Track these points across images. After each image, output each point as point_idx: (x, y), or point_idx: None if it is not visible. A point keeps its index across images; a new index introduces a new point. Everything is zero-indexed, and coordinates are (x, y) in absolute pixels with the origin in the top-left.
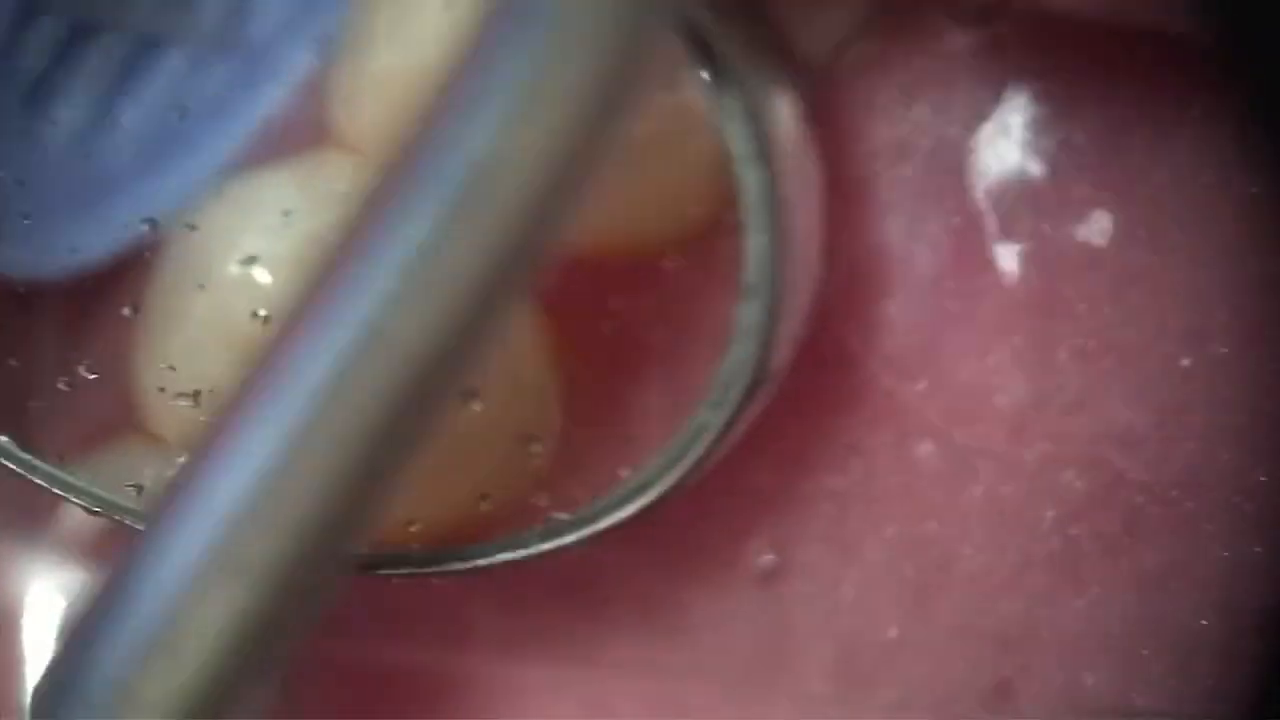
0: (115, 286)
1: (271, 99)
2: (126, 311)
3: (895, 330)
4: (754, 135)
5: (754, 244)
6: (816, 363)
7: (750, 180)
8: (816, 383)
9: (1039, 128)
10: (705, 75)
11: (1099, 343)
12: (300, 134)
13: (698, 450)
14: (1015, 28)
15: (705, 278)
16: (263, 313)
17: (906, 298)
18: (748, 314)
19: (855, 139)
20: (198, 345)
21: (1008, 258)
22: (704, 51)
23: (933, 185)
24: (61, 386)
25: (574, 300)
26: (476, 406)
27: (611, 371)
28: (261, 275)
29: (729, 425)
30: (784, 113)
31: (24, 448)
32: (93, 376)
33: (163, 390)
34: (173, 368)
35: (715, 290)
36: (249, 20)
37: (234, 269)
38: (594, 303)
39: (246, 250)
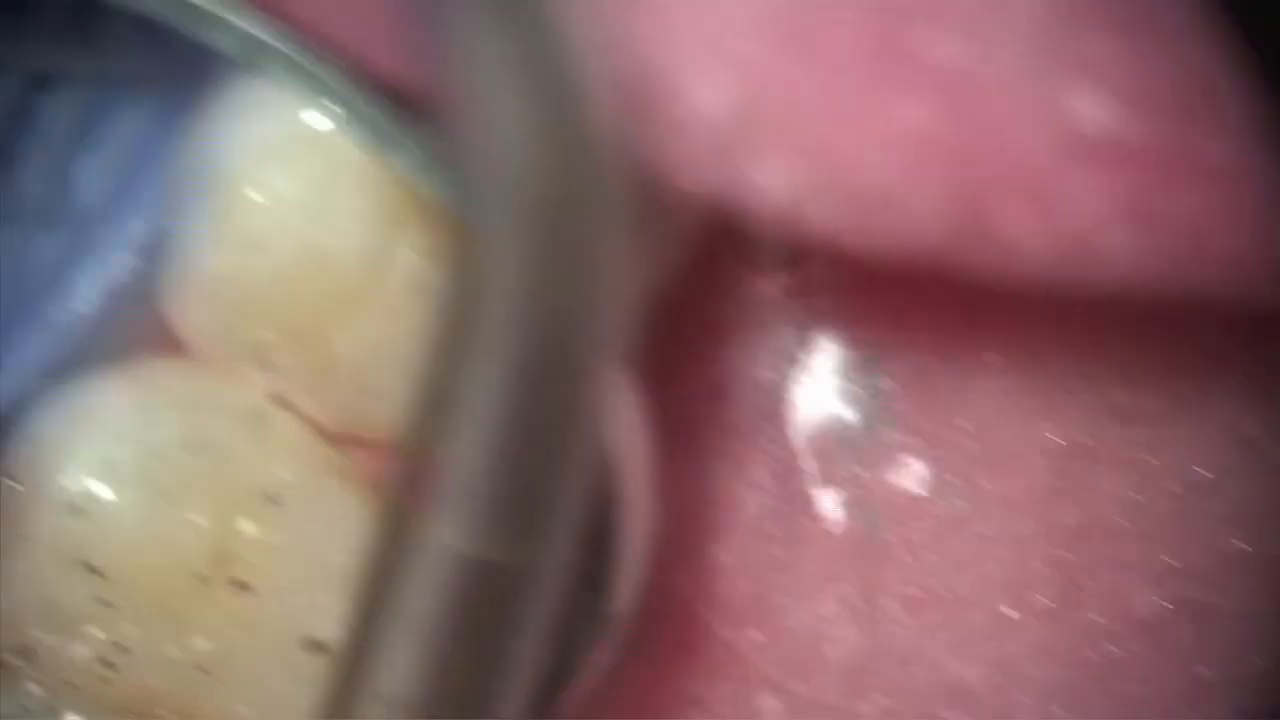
0: None
1: (100, 284)
2: None
3: (726, 577)
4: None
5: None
6: (657, 612)
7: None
8: (657, 632)
9: (848, 373)
10: None
11: (925, 592)
12: (131, 335)
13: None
14: (821, 273)
15: None
16: (96, 564)
17: (735, 544)
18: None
19: (671, 380)
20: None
21: (830, 503)
22: None
23: (750, 428)
24: None
25: None
26: None
27: None
28: (95, 510)
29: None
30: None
31: None
32: None
33: None
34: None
35: None
36: (72, 192)
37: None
38: None
39: (79, 471)
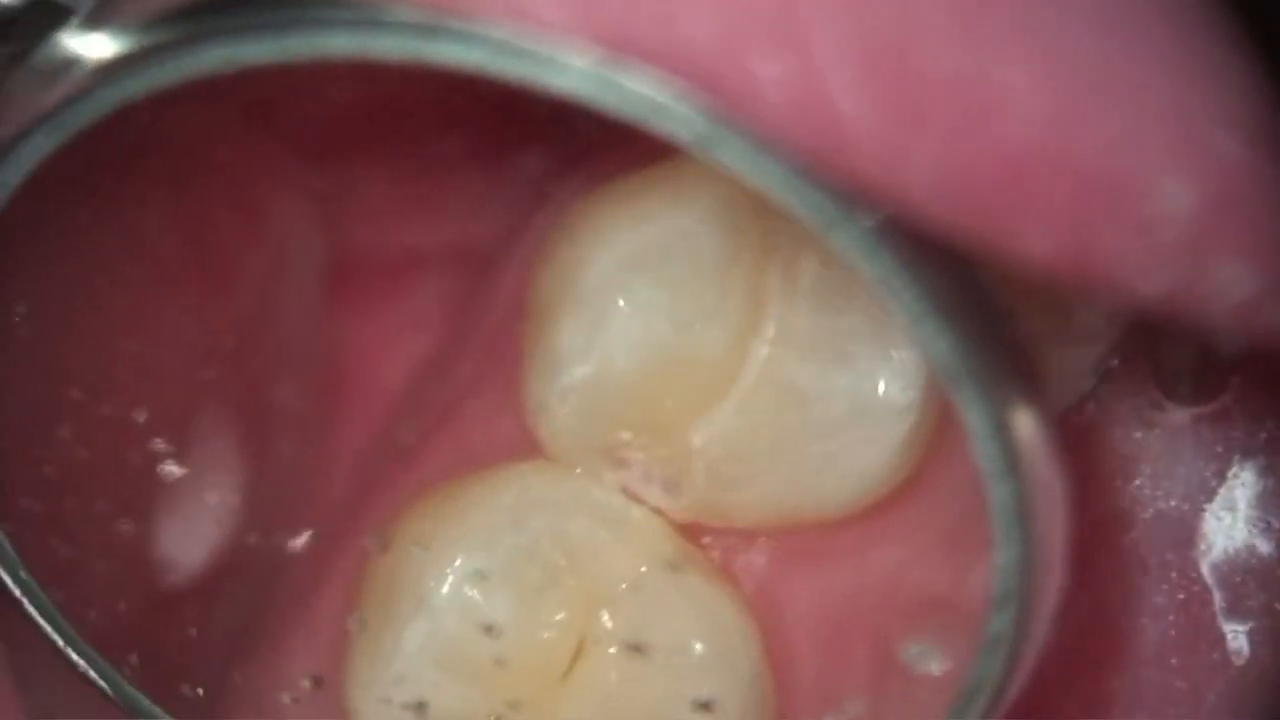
0: (332, 598)
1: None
2: (351, 625)
3: (1119, 706)
4: (1003, 450)
5: (1003, 557)
6: None
7: (999, 495)
8: None
9: (1266, 503)
10: (951, 387)
11: None
12: (499, 444)
13: None
14: (1239, 401)
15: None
16: (486, 624)
17: (1130, 672)
18: (996, 625)
19: (1077, 506)
20: (423, 659)
21: (1238, 637)
22: (950, 367)
23: (1155, 557)
24: (285, 700)
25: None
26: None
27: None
28: (483, 590)
29: None
30: (1032, 426)
31: None
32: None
33: (388, 702)
34: (402, 678)
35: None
36: None
37: (453, 586)
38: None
39: (465, 565)
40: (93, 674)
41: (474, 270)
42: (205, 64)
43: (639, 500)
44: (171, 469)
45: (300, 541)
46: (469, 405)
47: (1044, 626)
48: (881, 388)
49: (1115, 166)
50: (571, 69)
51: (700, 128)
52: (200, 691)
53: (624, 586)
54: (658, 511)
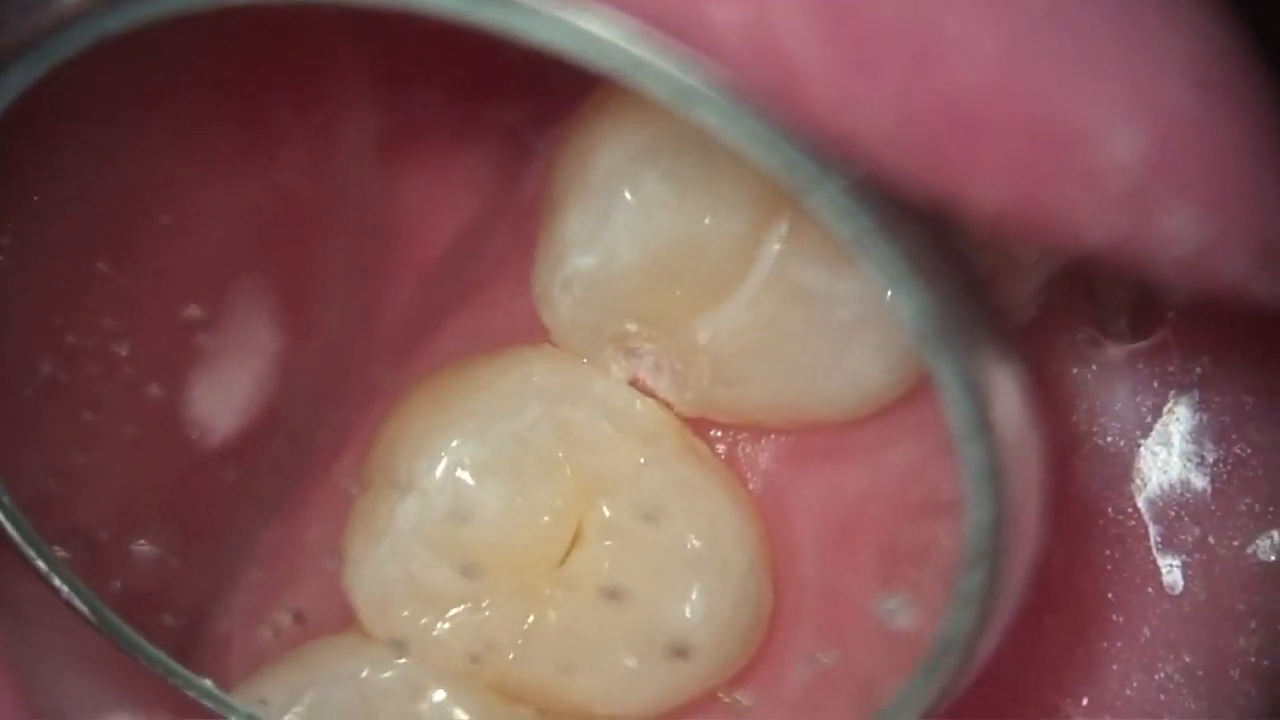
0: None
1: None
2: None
3: (1056, 642)
4: (974, 411)
5: (975, 516)
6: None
7: (971, 455)
8: (975, 691)
9: (1200, 438)
10: (923, 349)
11: (1277, 663)
12: (507, 328)
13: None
14: (1175, 336)
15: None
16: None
17: (1067, 609)
18: (968, 583)
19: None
20: (414, 539)
21: (1172, 571)
22: (923, 329)
23: (1091, 495)
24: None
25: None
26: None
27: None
28: (476, 474)
29: (931, 699)
30: (1007, 388)
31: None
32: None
33: (381, 578)
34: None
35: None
36: None
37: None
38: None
39: (460, 449)
40: (76, 601)
41: (519, 147)
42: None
43: (649, 391)
44: (204, 338)
45: (338, 407)
46: (492, 284)
47: (1018, 585)
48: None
49: (1064, 114)
50: (547, 21)
51: (675, 84)
52: (180, 623)
53: (623, 477)
54: (665, 405)
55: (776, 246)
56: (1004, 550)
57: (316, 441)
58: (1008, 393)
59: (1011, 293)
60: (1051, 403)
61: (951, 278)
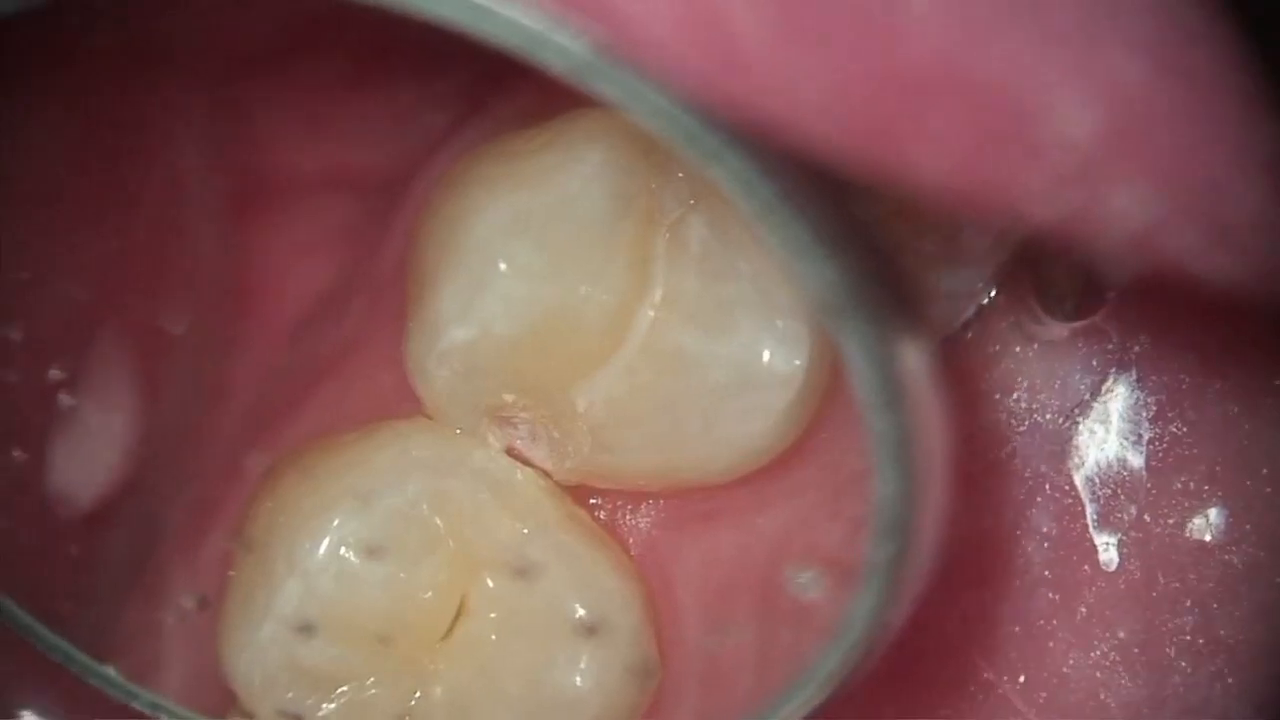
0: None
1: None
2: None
3: (994, 620)
4: (885, 382)
5: (885, 489)
6: (914, 650)
7: (880, 427)
8: (913, 670)
9: (1138, 416)
10: (829, 321)
11: (1211, 641)
12: (374, 400)
13: (807, 689)
14: (1115, 315)
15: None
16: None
17: (1007, 587)
18: (879, 555)
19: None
20: (295, 621)
21: (1109, 548)
22: (831, 301)
23: (1031, 472)
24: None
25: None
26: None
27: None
28: (359, 553)
29: (844, 671)
30: (914, 359)
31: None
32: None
33: (262, 663)
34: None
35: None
36: None
37: (329, 548)
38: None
39: (341, 528)
40: None
41: (375, 202)
42: None
43: (525, 461)
44: (66, 398)
45: (193, 474)
46: (354, 357)
47: (928, 557)
48: (766, 356)
49: (1013, 87)
50: None
51: (578, 58)
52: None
53: (506, 548)
54: (544, 473)
55: (651, 313)
56: (914, 522)
57: (173, 518)
58: (916, 365)
59: (959, 281)
60: (992, 380)
61: (856, 248)
